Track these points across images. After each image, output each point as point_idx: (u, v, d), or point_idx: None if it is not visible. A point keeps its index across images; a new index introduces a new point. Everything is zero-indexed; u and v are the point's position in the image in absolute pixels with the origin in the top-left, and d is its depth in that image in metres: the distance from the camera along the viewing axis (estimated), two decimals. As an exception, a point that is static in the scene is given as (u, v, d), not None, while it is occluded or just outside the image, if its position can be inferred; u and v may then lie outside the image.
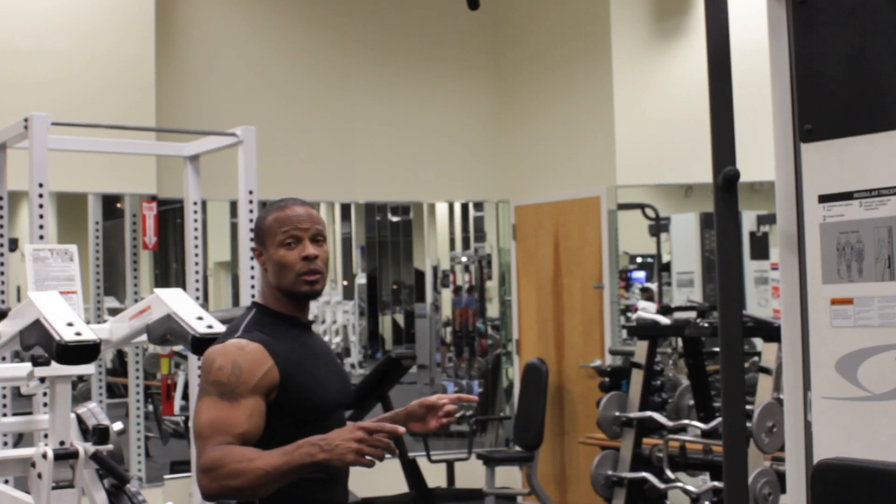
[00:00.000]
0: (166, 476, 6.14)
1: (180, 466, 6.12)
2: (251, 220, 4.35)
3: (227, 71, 6.59)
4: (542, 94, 6.96)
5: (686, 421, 4.87)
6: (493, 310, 7.54)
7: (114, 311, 5.40)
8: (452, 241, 7.95)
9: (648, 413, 4.79)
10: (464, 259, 7.74)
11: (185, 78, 6.40)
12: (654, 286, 7.22)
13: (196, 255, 4.76)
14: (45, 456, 3.03)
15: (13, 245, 4.93)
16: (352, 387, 2.49)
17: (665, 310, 5.43)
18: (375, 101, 6.99)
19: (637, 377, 4.91)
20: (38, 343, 2.84)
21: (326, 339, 8.04)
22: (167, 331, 2.99)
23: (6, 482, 3.96)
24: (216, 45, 6.58)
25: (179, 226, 5.86)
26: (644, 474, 4.75)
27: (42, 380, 3.14)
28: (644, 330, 4.93)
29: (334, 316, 8.75)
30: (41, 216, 3.92)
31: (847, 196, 1.67)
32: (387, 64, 7.05)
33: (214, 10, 6.61)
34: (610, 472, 4.86)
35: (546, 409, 6.40)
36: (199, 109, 6.36)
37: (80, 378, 5.08)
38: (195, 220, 4.75)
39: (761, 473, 4.18)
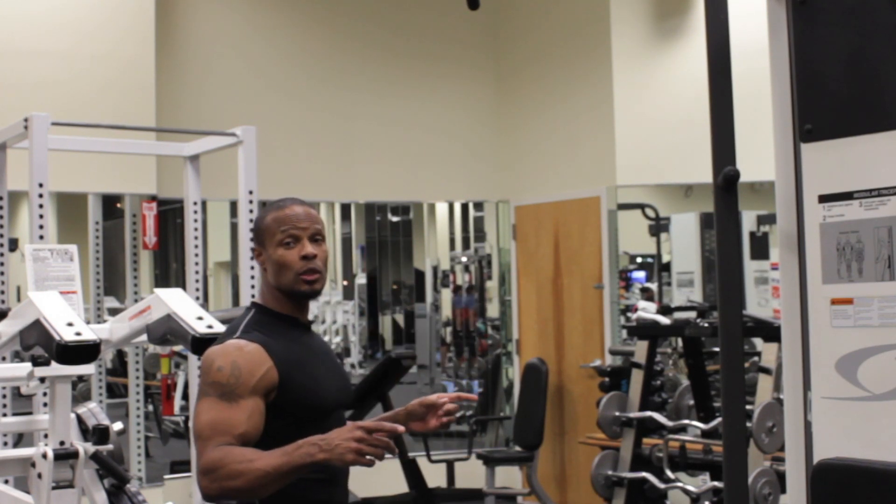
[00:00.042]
0: (166, 476, 6.14)
1: (180, 466, 6.12)
2: (251, 220, 4.35)
3: (227, 71, 6.59)
4: (542, 94, 6.96)
5: (686, 421, 4.87)
6: (493, 310, 7.54)
7: (114, 311, 5.40)
8: (452, 241, 7.95)
9: (648, 413, 4.79)
10: (464, 259, 7.74)
11: (185, 78, 6.40)
12: (654, 286, 7.22)
13: (196, 255, 4.76)
14: (45, 456, 3.03)
15: (13, 245, 4.93)
16: (352, 387, 2.49)
17: (665, 310, 5.43)
18: (375, 101, 6.99)
19: (637, 377, 4.91)
20: (38, 343, 2.84)
21: (326, 339, 8.04)
22: (167, 331, 2.99)
23: (6, 482, 3.96)
24: (216, 45, 6.58)
25: (179, 226, 5.86)
26: (644, 474, 4.75)
27: (42, 380, 3.14)
28: (644, 330, 4.93)
29: (334, 316, 8.75)
30: (41, 216, 3.92)
31: (847, 196, 1.67)
32: (387, 64, 7.05)
33: (214, 10, 6.61)
34: (610, 472, 4.86)
35: (546, 409, 6.40)
36: (199, 109, 6.36)
37: (80, 378, 5.08)
38: (195, 220, 4.75)
39: (761, 473, 4.18)
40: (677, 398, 5.12)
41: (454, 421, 2.36)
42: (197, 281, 4.75)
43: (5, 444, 4.27)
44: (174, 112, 6.20)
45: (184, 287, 4.47)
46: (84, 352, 2.73)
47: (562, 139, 6.83)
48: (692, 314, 5.14)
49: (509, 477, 6.83)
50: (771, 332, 4.39)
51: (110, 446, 3.27)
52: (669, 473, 4.66)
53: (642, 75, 6.47)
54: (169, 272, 7.27)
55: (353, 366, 8.34)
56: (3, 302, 4.35)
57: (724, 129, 1.79)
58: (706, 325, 4.65)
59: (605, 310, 6.48)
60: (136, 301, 5.57)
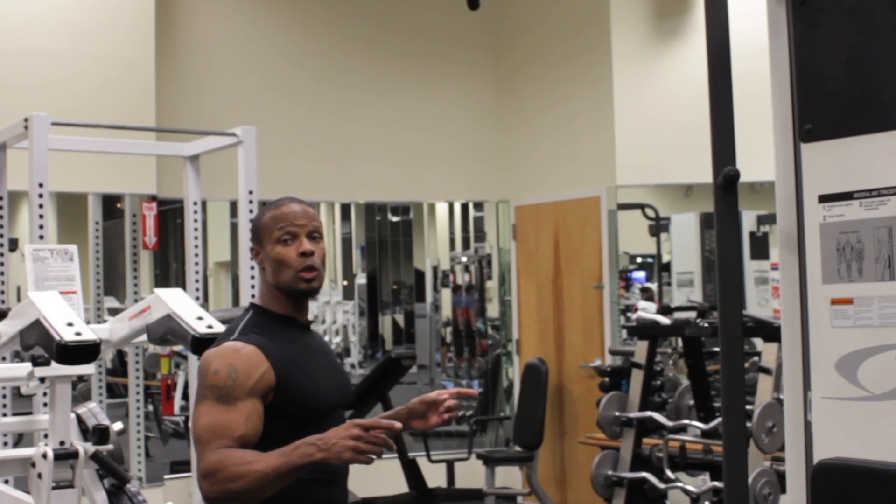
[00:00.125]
0: (166, 476, 6.14)
1: (180, 466, 6.12)
2: (251, 221, 4.34)
3: (227, 71, 6.59)
4: (542, 94, 6.96)
5: (686, 421, 4.87)
6: (493, 310, 7.54)
7: (114, 311, 5.40)
8: (452, 241, 7.95)
9: (648, 413, 4.79)
10: (464, 259, 7.74)
11: (185, 78, 6.40)
12: (654, 286, 7.22)
13: (196, 255, 4.76)
14: (45, 456, 3.03)
15: (13, 245, 4.93)
16: (352, 387, 2.48)
17: (665, 310, 5.43)
18: (375, 101, 6.99)
19: (637, 377, 4.91)
20: (38, 343, 2.84)
21: (326, 338, 8.04)
22: (167, 331, 2.99)
23: (6, 482, 3.95)
24: (216, 45, 6.58)
25: (179, 226, 5.86)
26: (644, 474, 4.75)
27: (42, 380, 3.14)
28: (644, 330, 4.93)
29: (334, 316, 8.75)
30: (41, 216, 3.92)
31: (847, 196, 1.67)
32: (387, 64, 7.05)
33: (214, 10, 6.61)
34: (610, 472, 4.86)
35: (546, 409, 6.40)
36: (199, 109, 6.36)
37: (80, 378, 5.08)
38: (195, 220, 4.74)
39: (761, 473, 4.18)
40: (677, 398, 5.12)
41: (455, 418, 2.36)
42: (197, 281, 4.75)
43: (5, 444, 4.27)
44: (174, 112, 6.20)
45: (184, 287, 4.47)
46: (84, 352, 2.73)
47: (562, 139, 6.83)
48: (692, 314, 5.14)
49: (509, 477, 6.83)
50: (771, 332, 4.39)
51: (110, 446, 3.26)
52: (669, 473, 4.66)
53: (642, 75, 6.47)
54: (169, 272, 7.27)
55: (353, 366, 8.34)
56: (3, 302, 4.35)
57: (724, 129, 1.79)
58: (706, 325, 4.65)
59: (605, 310, 6.48)
60: (136, 301, 5.57)
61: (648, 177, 6.51)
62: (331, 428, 2.06)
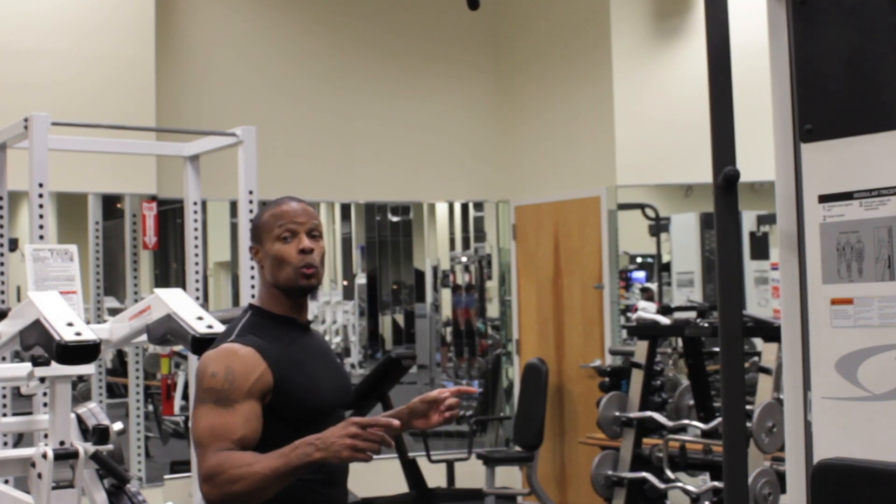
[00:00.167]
0: (166, 476, 6.14)
1: (180, 466, 6.12)
2: (251, 220, 4.34)
3: (227, 71, 6.59)
4: (542, 94, 6.96)
5: (686, 421, 4.87)
6: (493, 310, 7.54)
7: (114, 311, 5.40)
8: (452, 241, 7.95)
9: (648, 413, 4.79)
10: (464, 259, 7.74)
11: (185, 78, 6.40)
12: (654, 286, 7.22)
13: (196, 255, 4.76)
14: (45, 456, 3.03)
15: (13, 245, 4.93)
16: (352, 387, 2.48)
17: (665, 310, 5.43)
18: (375, 101, 6.99)
19: (637, 377, 4.91)
20: (38, 343, 2.84)
21: (326, 338, 8.04)
22: (167, 331, 2.99)
23: (6, 482, 3.96)
24: (216, 45, 6.58)
25: (179, 226, 5.86)
26: (644, 474, 4.75)
27: (42, 380, 3.14)
28: (644, 330, 4.93)
29: (334, 316, 8.75)
30: (41, 216, 3.92)
31: (847, 196, 1.67)
32: (387, 64, 7.05)
33: (214, 10, 6.61)
34: (610, 472, 4.86)
35: (546, 409, 6.40)
36: (199, 109, 6.36)
37: (80, 378, 5.08)
38: (195, 220, 4.74)
39: (761, 473, 4.18)
40: (677, 398, 5.12)
41: (456, 416, 2.36)
42: (197, 281, 4.75)
43: (5, 444, 4.27)
44: (174, 112, 6.19)
45: (184, 287, 4.47)
46: (84, 352, 2.73)
47: (562, 139, 6.83)
48: (692, 314, 5.14)
49: (509, 477, 6.83)
50: (771, 332, 4.39)
51: (110, 446, 3.26)
52: (669, 473, 4.66)
53: (642, 75, 6.47)
54: (169, 272, 7.27)
55: (353, 366, 8.34)
56: (3, 302, 4.35)
57: (724, 129, 1.79)
58: (706, 325, 4.65)
59: (605, 310, 6.48)
60: (136, 301, 5.57)
61: (648, 177, 6.51)
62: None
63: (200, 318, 2.90)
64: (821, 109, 1.70)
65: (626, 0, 6.47)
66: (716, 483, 4.49)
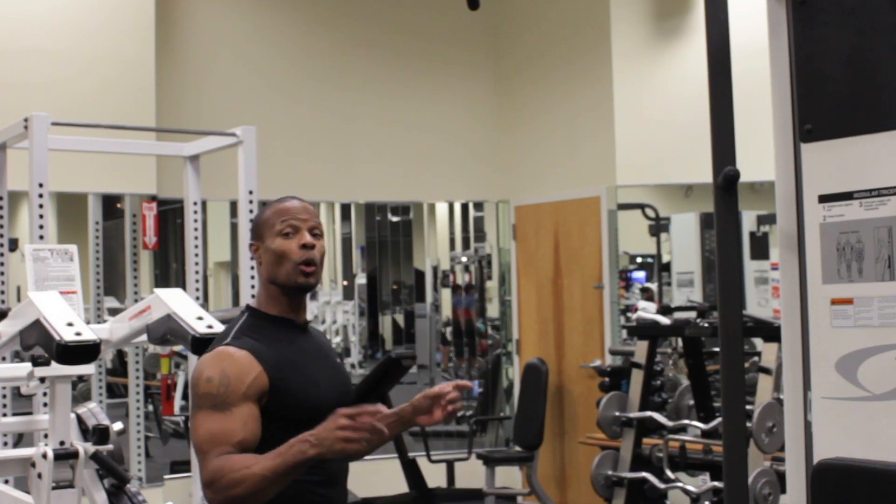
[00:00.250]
0: (166, 476, 6.14)
1: (180, 466, 6.12)
2: (251, 221, 4.34)
3: (227, 71, 6.59)
4: (542, 94, 6.96)
5: (686, 421, 4.87)
6: (493, 310, 7.54)
7: (114, 311, 5.40)
8: (452, 241, 7.95)
9: (648, 413, 4.79)
10: (464, 259, 7.74)
11: (185, 78, 6.40)
12: (654, 286, 7.22)
13: (196, 255, 4.76)
14: (45, 456, 3.03)
15: (13, 245, 4.93)
16: (352, 387, 2.48)
17: (665, 310, 5.43)
18: (375, 101, 6.99)
19: (637, 377, 4.91)
20: (38, 343, 2.84)
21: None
22: (167, 331, 2.99)
23: (6, 482, 3.95)
24: (216, 45, 6.58)
25: (179, 226, 5.86)
26: (644, 474, 4.75)
27: (42, 380, 3.14)
28: (644, 330, 4.93)
29: (334, 316, 8.75)
30: (41, 216, 3.92)
31: (847, 196, 1.67)
32: (387, 64, 7.06)
33: (214, 10, 6.61)
34: (610, 472, 4.86)
35: (546, 409, 6.40)
36: (199, 109, 6.36)
37: (80, 378, 5.08)
38: (195, 220, 4.74)
39: (761, 473, 4.18)
40: (677, 398, 5.12)
41: (459, 408, 2.37)
42: (197, 281, 4.75)
43: (5, 444, 4.26)
44: (174, 112, 6.19)
45: (184, 287, 4.47)
46: (84, 352, 2.73)
47: (562, 139, 6.83)
48: (692, 314, 5.14)
49: (509, 477, 6.83)
50: (771, 332, 4.39)
51: (110, 446, 3.26)
52: (669, 473, 4.66)
53: (642, 75, 6.47)
54: (169, 272, 7.27)
55: (353, 366, 8.34)
56: (3, 302, 4.35)
57: (724, 129, 1.79)
58: (706, 325, 4.65)
59: (605, 310, 6.48)
60: (136, 301, 5.57)
61: (648, 177, 6.51)
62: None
63: (200, 318, 2.91)
64: (821, 109, 1.70)
65: (626, 0, 6.47)
66: (716, 483, 4.49)
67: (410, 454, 5.94)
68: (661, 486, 4.69)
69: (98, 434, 3.27)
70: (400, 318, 8.45)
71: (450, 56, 7.20)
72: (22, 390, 3.43)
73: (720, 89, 1.79)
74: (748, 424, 3.98)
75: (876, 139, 1.63)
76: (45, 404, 3.58)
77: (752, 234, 6.85)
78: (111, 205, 6.30)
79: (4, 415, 4.23)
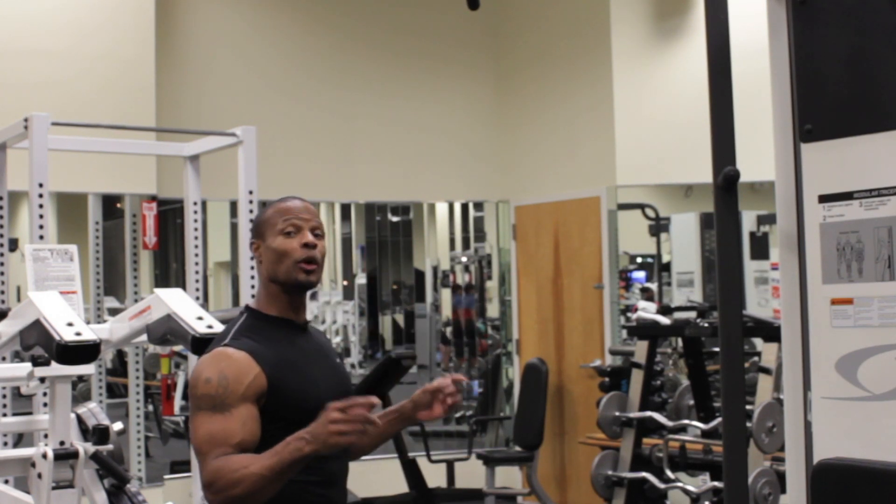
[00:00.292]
0: (166, 476, 6.14)
1: (180, 466, 6.12)
2: (251, 221, 4.35)
3: (227, 71, 6.59)
4: (542, 94, 6.96)
5: (686, 421, 4.87)
6: (493, 310, 7.54)
7: (114, 311, 5.40)
8: (452, 241, 7.95)
9: (648, 413, 4.79)
10: (464, 259, 7.74)
11: (185, 78, 6.40)
12: (654, 286, 7.23)
13: (196, 255, 4.76)
14: (45, 456, 3.03)
15: (13, 245, 4.93)
16: (352, 387, 2.48)
17: (665, 310, 5.43)
18: (375, 101, 6.99)
19: (637, 377, 4.91)
20: (38, 343, 2.84)
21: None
22: (167, 331, 2.99)
23: (6, 482, 3.95)
24: (216, 45, 6.58)
25: (179, 226, 5.86)
26: (644, 474, 4.75)
27: (42, 380, 3.14)
28: (644, 330, 4.93)
29: (334, 316, 8.75)
30: (41, 216, 3.92)
31: (847, 196, 1.67)
32: (387, 64, 7.06)
33: (214, 10, 6.61)
34: (610, 472, 4.86)
35: (546, 409, 6.40)
36: (199, 109, 6.36)
37: (80, 378, 5.08)
38: (195, 220, 4.74)
39: (761, 473, 4.18)
40: (677, 398, 5.12)
41: (459, 402, 2.37)
42: (197, 281, 4.75)
43: (5, 444, 4.26)
44: (174, 112, 6.20)
45: (184, 287, 4.47)
46: (84, 352, 2.73)
47: (562, 139, 6.83)
48: (692, 314, 5.14)
49: (509, 477, 6.83)
50: (771, 332, 4.39)
51: (110, 446, 3.26)
52: (669, 473, 4.66)
53: (642, 75, 6.47)
54: (169, 272, 7.27)
55: (353, 366, 8.34)
56: (3, 302, 4.35)
57: (724, 129, 1.79)
58: (706, 325, 4.65)
59: (605, 310, 6.47)
60: (136, 301, 5.57)
61: (648, 177, 6.51)
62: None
63: (200, 318, 2.91)
64: (821, 109, 1.70)
65: (626, 0, 6.47)
66: (716, 483, 4.49)
67: (410, 454, 5.94)
68: (661, 486, 4.69)
69: (98, 434, 3.27)
70: (400, 318, 8.46)
71: (450, 56, 7.20)
72: (22, 390, 3.43)
73: (720, 89, 1.79)
74: (748, 424, 3.98)
75: (876, 139, 1.63)
76: (45, 404, 3.58)
77: (752, 234, 6.85)
78: (111, 205, 6.30)
79: (4, 415, 4.23)
